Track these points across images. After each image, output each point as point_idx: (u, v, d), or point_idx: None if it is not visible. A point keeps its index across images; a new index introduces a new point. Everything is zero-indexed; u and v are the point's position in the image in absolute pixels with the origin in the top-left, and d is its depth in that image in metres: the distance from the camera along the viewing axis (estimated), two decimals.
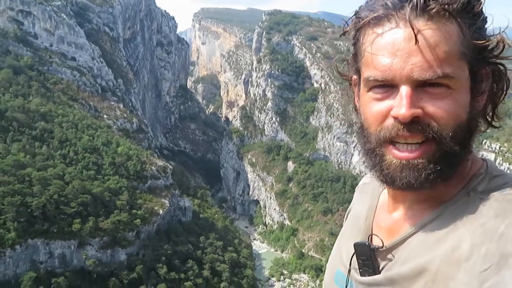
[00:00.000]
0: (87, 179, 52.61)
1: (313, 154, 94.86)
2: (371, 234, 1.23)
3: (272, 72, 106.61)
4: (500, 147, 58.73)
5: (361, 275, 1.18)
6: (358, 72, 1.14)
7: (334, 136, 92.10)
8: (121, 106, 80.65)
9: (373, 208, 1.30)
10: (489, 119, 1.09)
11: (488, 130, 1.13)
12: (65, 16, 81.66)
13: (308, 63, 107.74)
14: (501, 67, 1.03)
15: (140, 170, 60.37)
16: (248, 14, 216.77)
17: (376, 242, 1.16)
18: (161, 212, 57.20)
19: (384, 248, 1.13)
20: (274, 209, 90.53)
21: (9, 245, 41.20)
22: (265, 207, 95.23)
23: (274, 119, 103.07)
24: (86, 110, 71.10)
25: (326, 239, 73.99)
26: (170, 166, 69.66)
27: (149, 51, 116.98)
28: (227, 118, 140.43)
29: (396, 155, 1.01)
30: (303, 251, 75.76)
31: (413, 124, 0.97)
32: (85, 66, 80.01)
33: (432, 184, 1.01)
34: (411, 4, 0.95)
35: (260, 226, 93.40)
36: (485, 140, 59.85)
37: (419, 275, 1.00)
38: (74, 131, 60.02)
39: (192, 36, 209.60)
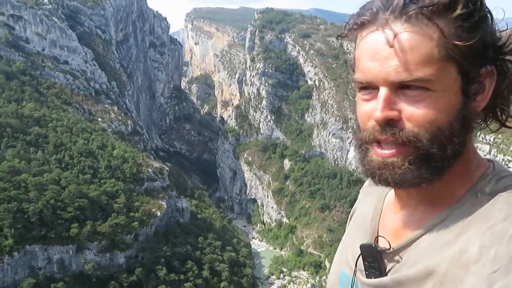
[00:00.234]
0: (83, 183, 52.45)
1: (309, 151, 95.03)
2: (377, 236, 1.22)
3: (266, 70, 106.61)
4: (494, 139, 59.20)
5: (367, 277, 1.17)
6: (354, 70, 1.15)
7: (329, 133, 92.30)
8: (116, 108, 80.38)
9: (379, 209, 1.30)
10: (501, 119, 1.07)
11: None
12: (56, 20, 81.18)
13: (301, 61, 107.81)
14: (509, 65, 1.01)
15: (136, 173, 60.26)
16: (240, 13, 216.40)
17: (383, 244, 1.15)
18: (158, 214, 57.13)
19: (391, 250, 1.12)
20: (272, 207, 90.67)
21: (7, 252, 41.05)
22: (262, 205, 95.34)
23: (269, 117, 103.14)
24: (80, 113, 70.80)
25: (325, 236, 74.25)
26: (167, 168, 69.57)
27: (142, 52, 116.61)
28: (222, 118, 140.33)
29: (376, 152, 1.03)
30: (301, 248, 75.96)
31: (387, 127, 0.98)
32: (78, 69, 79.62)
33: (410, 185, 1.02)
34: (391, 7, 0.96)
35: (258, 224, 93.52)
36: (479, 132, 60.10)
37: (427, 277, 1.00)
38: (69, 135, 59.78)
39: (185, 37, 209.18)
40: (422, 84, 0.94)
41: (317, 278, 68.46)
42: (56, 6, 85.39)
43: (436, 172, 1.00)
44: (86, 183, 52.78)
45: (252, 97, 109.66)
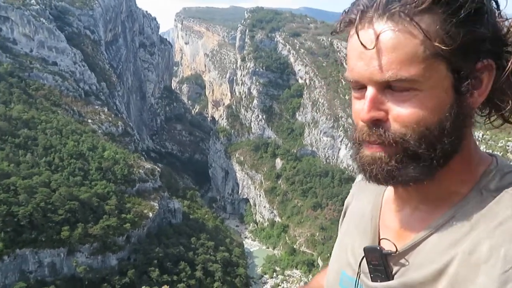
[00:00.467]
0: (74, 185, 52.05)
1: (300, 150, 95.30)
2: (380, 238, 1.18)
3: (257, 69, 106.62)
4: (483, 135, 59.83)
5: (372, 281, 1.13)
6: None
7: (320, 131, 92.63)
8: (106, 110, 79.83)
9: (378, 207, 1.24)
10: (505, 115, 1.03)
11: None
12: (44, 21, 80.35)
13: (292, 59, 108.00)
14: (508, 57, 0.96)
15: (127, 174, 59.93)
16: (230, 12, 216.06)
17: (388, 246, 1.11)
18: (150, 215, 56.90)
19: (397, 253, 1.08)
20: (264, 207, 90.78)
21: None
22: (255, 205, 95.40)
23: (260, 116, 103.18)
24: (70, 115, 70.20)
25: (317, 234, 74.55)
26: (158, 169, 69.32)
27: (132, 53, 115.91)
28: (213, 118, 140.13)
29: (368, 147, 1.01)
30: (294, 247, 76.20)
31: (374, 126, 0.96)
32: (67, 70, 78.90)
33: (398, 183, 1.00)
34: (375, 5, 0.93)
35: (251, 224, 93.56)
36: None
37: (437, 279, 0.97)
38: (59, 137, 59.25)
39: (174, 36, 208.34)
40: (408, 84, 0.91)
41: (310, 276, 68.65)
42: (43, 7, 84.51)
43: (425, 172, 0.98)
44: (77, 185, 52.38)
45: (243, 96, 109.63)
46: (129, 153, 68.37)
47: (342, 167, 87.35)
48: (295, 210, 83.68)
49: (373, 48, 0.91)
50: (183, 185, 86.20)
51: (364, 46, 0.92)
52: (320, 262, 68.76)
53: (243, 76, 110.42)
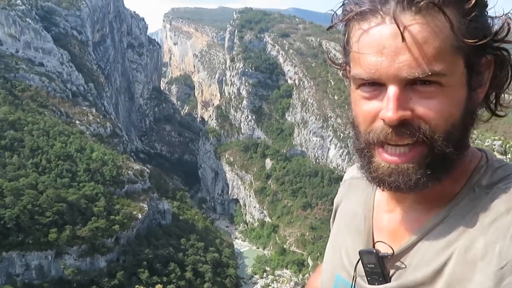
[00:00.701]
0: (61, 187, 51.47)
1: (290, 150, 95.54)
2: (374, 241, 1.15)
3: (246, 70, 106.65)
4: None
5: (369, 284, 1.11)
6: (348, 65, 1.05)
7: (310, 131, 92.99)
8: (94, 110, 79.11)
9: (370, 207, 1.21)
10: (493, 108, 1.02)
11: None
12: (30, 21, 79.34)
13: (281, 60, 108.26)
14: (505, 53, 0.95)
15: (116, 175, 59.45)
16: (219, 13, 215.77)
17: (384, 248, 1.09)
18: (140, 216, 56.53)
19: (393, 255, 1.06)
20: (254, 207, 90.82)
21: None
22: (245, 205, 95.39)
23: (250, 117, 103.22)
24: (57, 116, 69.39)
25: (307, 234, 74.80)
26: (147, 170, 68.90)
27: (120, 53, 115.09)
28: (202, 118, 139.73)
29: (385, 158, 0.95)
30: (284, 247, 76.35)
31: (402, 127, 0.90)
32: (54, 71, 78.01)
33: (423, 188, 0.95)
34: None
35: (241, 224, 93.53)
36: None
37: (434, 280, 0.96)
38: (46, 138, 58.54)
39: (163, 37, 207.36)
40: (436, 79, 0.87)
41: (300, 276, 68.89)
42: (29, 7, 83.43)
43: (449, 172, 0.96)
44: (65, 187, 51.81)
45: (232, 97, 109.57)
46: (117, 154, 67.82)
47: (332, 167, 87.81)
48: (285, 210, 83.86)
49: (401, 43, 0.86)
50: (172, 186, 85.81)
51: (387, 41, 0.87)
52: (310, 262, 69.03)
53: (232, 76, 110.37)
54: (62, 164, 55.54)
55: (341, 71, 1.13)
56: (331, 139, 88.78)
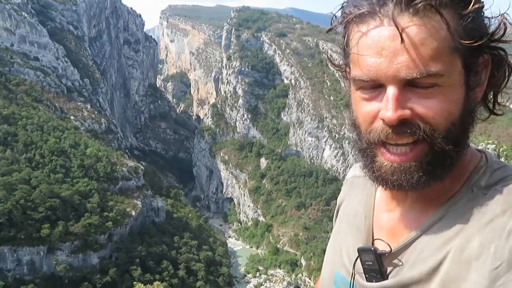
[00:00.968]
0: (55, 182, 51.16)
1: (285, 150, 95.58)
2: (374, 239, 1.18)
3: (242, 69, 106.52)
4: None
5: (367, 281, 1.13)
6: (348, 66, 1.08)
7: (305, 132, 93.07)
8: (89, 106, 78.68)
9: (371, 206, 1.24)
10: (491, 107, 1.05)
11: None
12: (26, 15, 78.73)
13: (277, 59, 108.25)
14: (502, 52, 0.98)
15: (110, 172, 59.16)
16: (216, 11, 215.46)
17: (382, 246, 1.12)
18: (133, 213, 56.32)
19: (391, 252, 1.09)
20: (248, 206, 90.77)
21: None
22: (239, 204, 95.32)
23: (245, 116, 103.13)
24: (51, 111, 68.93)
25: (300, 234, 74.87)
26: (142, 167, 68.61)
27: (116, 49, 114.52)
28: (198, 116, 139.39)
29: (387, 157, 0.98)
30: (278, 246, 76.37)
31: (402, 126, 0.93)
32: (49, 66, 77.48)
33: (425, 186, 0.98)
34: None
35: (235, 223, 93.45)
36: None
37: (430, 277, 0.98)
38: (40, 133, 58.13)
39: (160, 34, 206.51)
40: (434, 80, 0.90)
41: (293, 276, 68.97)
42: (25, 1, 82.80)
43: (449, 170, 0.98)
44: (58, 183, 51.50)
45: (228, 95, 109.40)
46: (112, 151, 67.47)
47: (326, 167, 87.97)
48: (279, 210, 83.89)
49: (399, 44, 0.88)
50: (166, 184, 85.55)
51: (386, 43, 0.90)
52: (303, 262, 69.12)
53: (229, 75, 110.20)
54: (56, 159, 55.20)
55: (341, 73, 1.15)
56: (326, 139, 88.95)
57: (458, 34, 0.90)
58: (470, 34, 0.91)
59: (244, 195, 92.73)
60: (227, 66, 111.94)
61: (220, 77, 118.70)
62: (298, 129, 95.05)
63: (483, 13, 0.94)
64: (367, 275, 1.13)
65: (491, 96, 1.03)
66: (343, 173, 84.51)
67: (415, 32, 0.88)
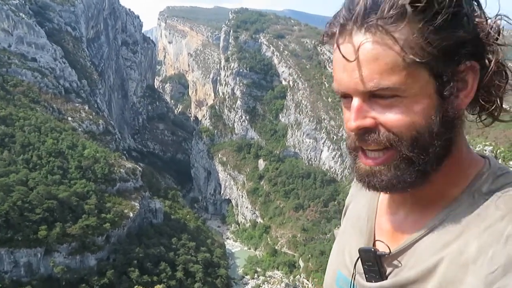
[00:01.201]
0: (52, 184, 51.00)
1: (283, 151, 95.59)
2: (375, 240, 1.22)
3: (241, 70, 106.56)
4: None
5: (367, 281, 1.17)
6: None
7: (303, 133, 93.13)
8: (86, 107, 78.54)
9: (374, 209, 1.28)
10: (493, 113, 1.05)
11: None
12: (24, 16, 78.63)
13: (276, 61, 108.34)
14: (490, 57, 0.98)
15: (108, 173, 59.03)
16: (214, 12, 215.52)
17: (382, 248, 1.15)
18: (131, 215, 56.18)
19: (390, 254, 1.12)
20: (246, 208, 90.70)
21: None
22: (237, 205, 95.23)
23: (243, 117, 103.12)
24: (49, 112, 68.78)
25: (298, 235, 74.83)
26: (139, 168, 68.50)
27: (114, 50, 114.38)
28: (196, 118, 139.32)
29: (363, 160, 1.04)
30: (276, 248, 76.31)
31: (365, 135, 0.99)
32: (47, 67, 77.34)
33: (398, 189, 1.02)
34: (353, 17, 0.95)
35: (233, 225, 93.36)
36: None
37: (427, 278, 1.01)
38: (37, 134, 57.98)
39: (158, 35, 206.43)
40: (391, 92, 0.94)
41: (291, 277, 68.94)
42: (23, 2, 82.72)
43: (420, 176, 1.00)
44: (55, 184, 51.34)
45: (226, 97, 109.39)
46: (110, 152, 67.35)
47: (324, 169, 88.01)
48: (277, 211, 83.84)
49: (354, 60, 0.94)
50: (164, 185, 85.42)
51: (346, 59, 0.95)
52: (301, 263, 69.07)
53: (227, 76, 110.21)
54: (54, 160, 55.05)
55: None
56: (324, 141, 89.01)
57: (418, 47, 0.91)
58: (434, 45, 0.91)
59: (242, 196, 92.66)
60: (225, 67, 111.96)
61: (218, 78, 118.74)
62: (296, 131, 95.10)
63: (463, 19, 0.94)
64: (367, 275, 1.16)
65: (491, 102, 1.03)
66: (341, 174, 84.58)
67: (369, 49, 0.93)
